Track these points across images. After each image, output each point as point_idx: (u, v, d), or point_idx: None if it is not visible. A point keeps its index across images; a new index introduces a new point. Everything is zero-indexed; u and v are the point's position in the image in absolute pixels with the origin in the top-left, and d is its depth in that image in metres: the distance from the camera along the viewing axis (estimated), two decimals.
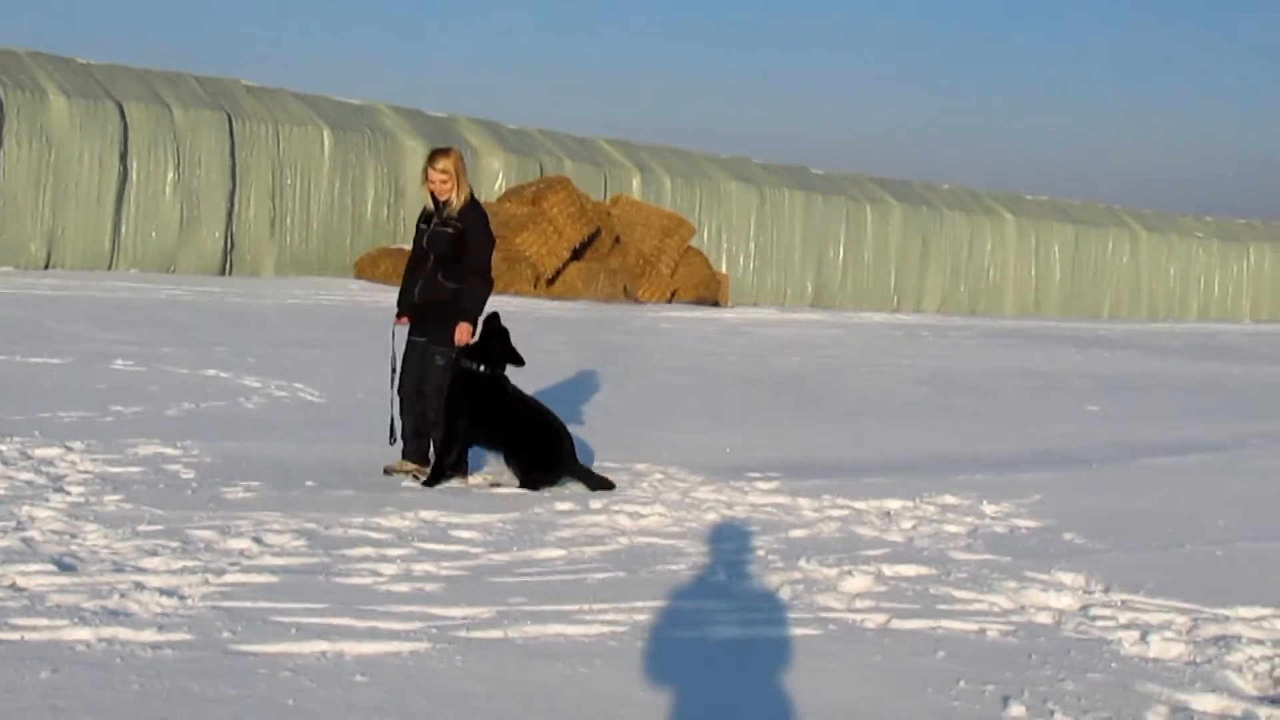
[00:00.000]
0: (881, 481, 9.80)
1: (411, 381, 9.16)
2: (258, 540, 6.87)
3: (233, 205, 31.96)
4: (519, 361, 9.23)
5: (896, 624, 6.02)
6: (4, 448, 8.90)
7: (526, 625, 5.66)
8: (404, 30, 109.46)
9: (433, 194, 9.10)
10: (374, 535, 7.20)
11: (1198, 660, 5.70)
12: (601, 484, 9.06)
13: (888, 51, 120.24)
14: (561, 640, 5.52)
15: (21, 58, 30.09)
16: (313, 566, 6.44)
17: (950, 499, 9.19)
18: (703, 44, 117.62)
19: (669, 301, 34.92)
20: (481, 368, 9.06)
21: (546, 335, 20.73)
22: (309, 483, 8.53)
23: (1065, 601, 6.57)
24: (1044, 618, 6.26)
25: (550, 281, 32.20)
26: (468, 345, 9.05)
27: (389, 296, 11.48)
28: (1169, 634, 6.02)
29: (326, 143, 33.72)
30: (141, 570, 6.15)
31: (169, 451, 9.27)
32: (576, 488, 9.02)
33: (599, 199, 36.89)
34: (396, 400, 9.27)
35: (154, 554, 6.46)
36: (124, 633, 5.21)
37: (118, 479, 8.24)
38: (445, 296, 9.11)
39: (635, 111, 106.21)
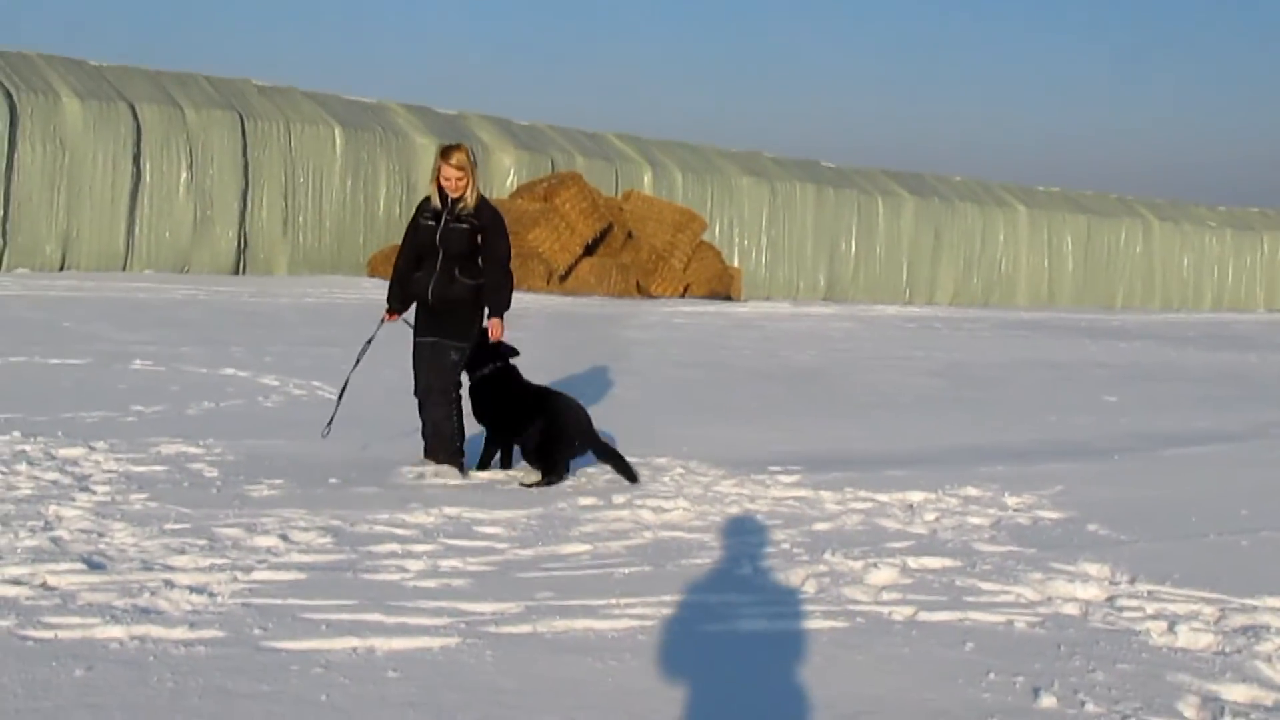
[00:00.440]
0: (903, 474, 9.79)
1: (425, 381, 9.13)
2: (284, 537, 6.89)
3: (246, 205, 32.05)
4: (514, 352, 9.30)
5: (924, 616, 6.03)
6: (29, 448, 8.94)
7: (555, 620, 5.67)
8: (414, 28, 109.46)
9: (441, 190, 9.05)
10: (399, 532, 7.21)
11: (1227, 650, 5.70)
12: (627, 473, 9.07)
13: (898, 44, 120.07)
14: (590, 635, 5.54)
15: (34, 60, 30.18)
16: (340, 563, 6.46)
17: (972, 491, 9.19)
18: (713, 38, 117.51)
19: (682, 296, 34.93)
20: (491, 367, 9.13)
21: (560, 332, 20.75)
22: (332, 480, 8.56)
23: (1092, 592, 6.57)
24: (1071, 609, 6.26)
25: (563, 278, 32.22)
26: (475, 356, 9.09)
27: None
28: (1197, 624, 6.02)
29: (338, 141, 33.77)
30: (170, 568, 6.18)
31: (192, 450, 9.30)
32: (599, 483, 9.03)
33: (611, 194, 36.91)
34: (345, 394, 9.31)
35: (182, 552, 6.48)
36: (156, 630, 5.24)
37: (142, 478, 8.26)
38: (462, 294, 9.09)
39: (646, 107, 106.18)
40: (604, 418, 11.93)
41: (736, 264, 40.11)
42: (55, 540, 6.57)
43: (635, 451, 10.24)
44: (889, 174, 47.98)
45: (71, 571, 6.00)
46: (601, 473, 9.40)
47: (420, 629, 5.44)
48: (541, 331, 19.94)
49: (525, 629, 5.55)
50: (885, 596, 6.33)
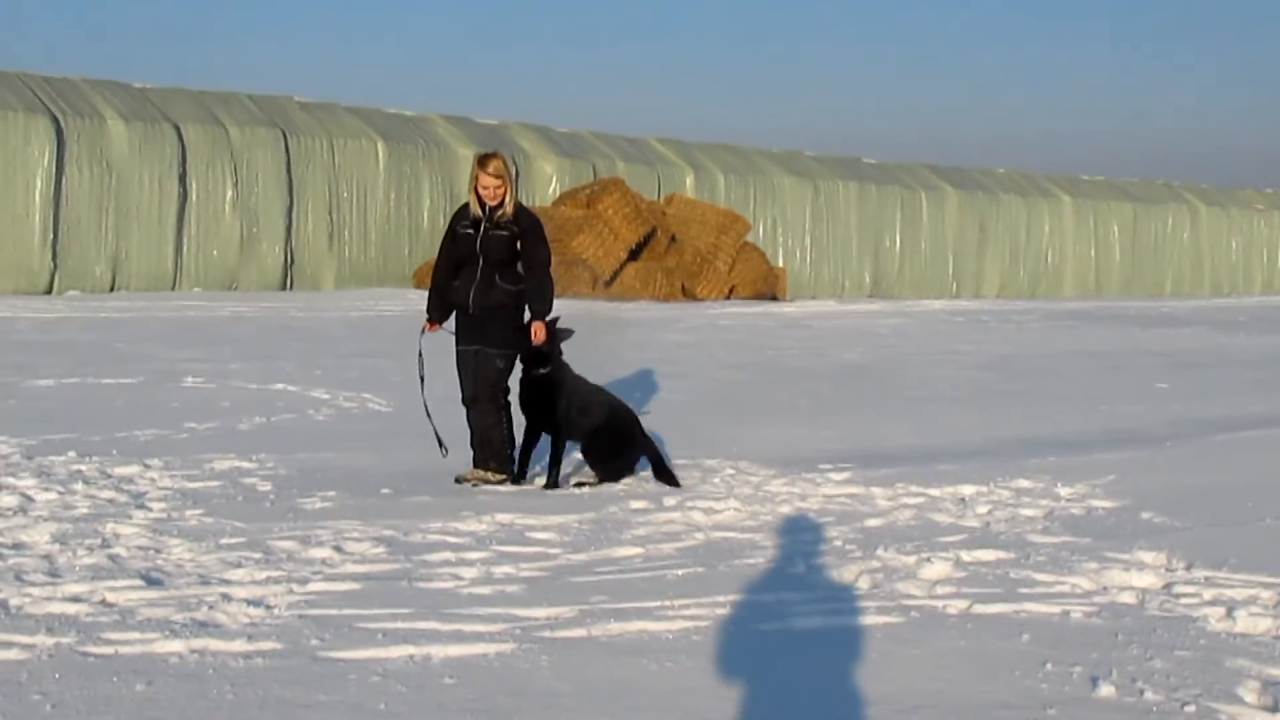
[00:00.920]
0: (954, 468, 9.76)
1: (471, 390, 9.15)
2: (338, 549, 6.94)
3: (291, 221, 32.27)
4: (567, 334, 9.29)
5: (979, 609, 6.01)
6: (84, 467, 9.04)
7: (609, 623, 5.69)
8: (453, 40, 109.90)
9: (480, 198, 9.09)
10: (452, 540, 7.25)
11: None
12: (670, 479, 9.10)
13: (937, 38, 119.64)
14: (644, 637, 5.55)
15: (79, 85, 30.49)
16: (394, 573, 6.50)
17: (1024, 482, 9.15)
18: (751, 39, 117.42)
19: (727, 298, 34.91)
20: (543, 370, 9.14)
21: (606, 336, 20.78)
22: (385, 491, 8.61)
23: (1148, 580, 6.53)
24: (1127, 597, 6.23)
25: (608, 283, 32.26)
26: (530, 355, 9.11)
27: None
28: (1255, 609, 5.97)
29: (381, 155, 33.96)
30: (227, 582, 6.23)
31: (245, 465, 9.38)
32: (649, 486, 9.05)
33: (653, 199, 36.93)
34: (431, 409, 9.32)
35: (238, 566, 6.54)
36: (214, 644, 5.29)
37: (197, 494, 8.34)
38: (504, 300, 9.11)
39: (686, 110, 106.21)
40: (653, 420, 11.96)
41: (781, 264, 40.05)
42: (113, 557, 6.64)
43: (685, 453, 10.27)
44: (931, 168, 47.81)
45: (130, 588, 6.06)
46: (651, 476, 9.41)
47: (475, 635, 5.47)
48: (587, 336, 19.90)
49: (580, 633, 5.57)
50: (939, 590, 6.32)
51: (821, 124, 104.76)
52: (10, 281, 28.22)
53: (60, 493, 8.17)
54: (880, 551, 7.06)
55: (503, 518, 7.83)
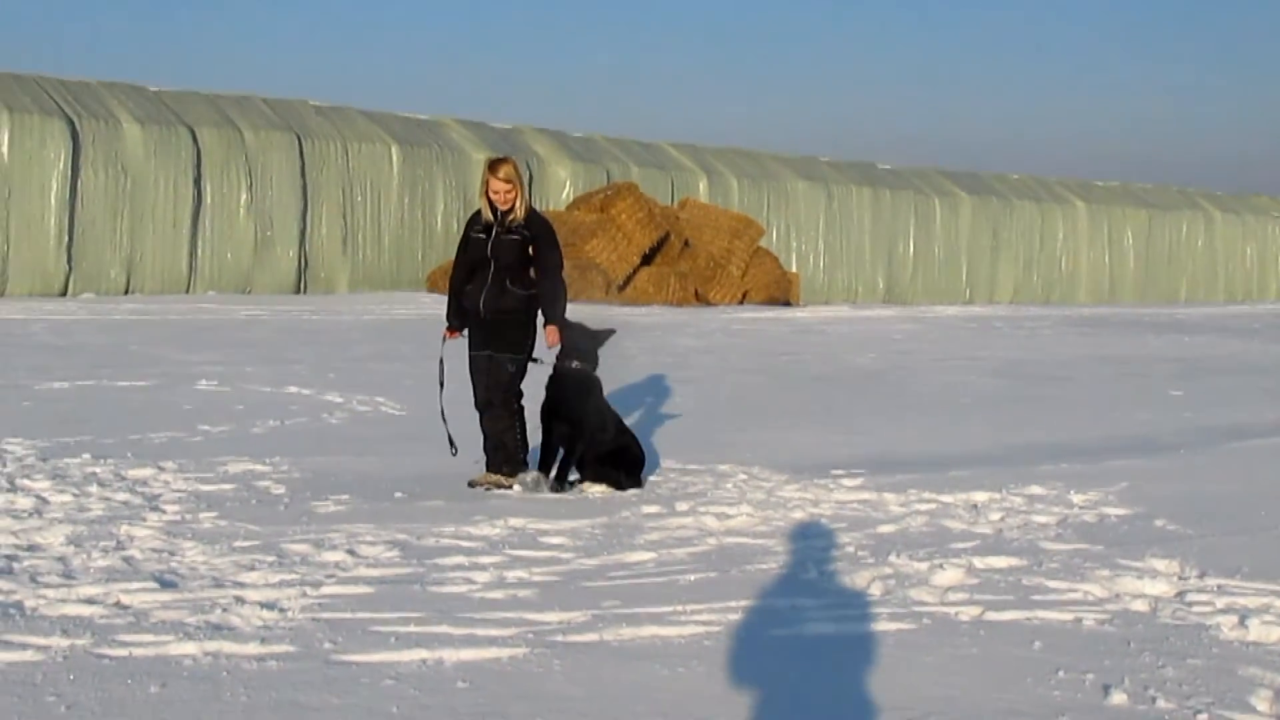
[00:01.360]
0: (966, 474, 9.76)
1: (484, 395, 9.17)
2: (352, 552, 6.96)
3: (305, 224, 32.35)
4: (605, 335, 9.33)
5: (991, 616, 6.01)
6: (99, 469, 9.07)
7: (621, 628, 5.69)
8: (467, 44, 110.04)
9: (491, 203, 9.12)
10: (465, 544, 7.27)
11: None
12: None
13: (952, 43, 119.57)
14: (657, 642, 5.56)
15: (95, 88, 30.60)
16: (407, 576, 6.52)
17: (1037, 489, 9.15)
18: (764, 44, 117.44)
19: (741, 303, 34.92)
20: (575, 365, 9.15)
21: (620, 341, 20.72)
22: (398, 494, 8.63)
23: (1160, 588, 6.53)
24: (1140, 605, 6.22)
25: (622, 288, 32.28)
26: (565, 346, 9.14)
27: None
28: (1268, 617, 5.97)
29: (395, 158, 34.02)
30: (241, 585, 6.25)
31: (258, 468, 9.40)
32: (662, 490, 9.06)
33: (667, 203, 36.96)
34: (447, 412, 9.34)
35: (252, 569, 6.56)
36: (228, 646, 5.30)
37: (211, 496, 8.37)
38: (515, 304, 9.14)
39: (700, 114, 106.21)
40: (666, 425, 11.99)
41: (794, 269, 40.06)
42: (127, 560, 6.66)
43: (698, 458, 10.29)
44: (945, 174, 47.78)
45: (144, 590, 6.08)
46: (665, 481, 9.43)
47: (488, 640, 5.48)
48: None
49: (592, 638, 5.58)
50: (952, 597, 6.32)
51: (835, 129, 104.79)
52: (26, 284, 28.33)
53: (75, 495, 8.21)
54: (892, 558, 7.06)
55: (515, 522, 7.84)
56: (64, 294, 28.72)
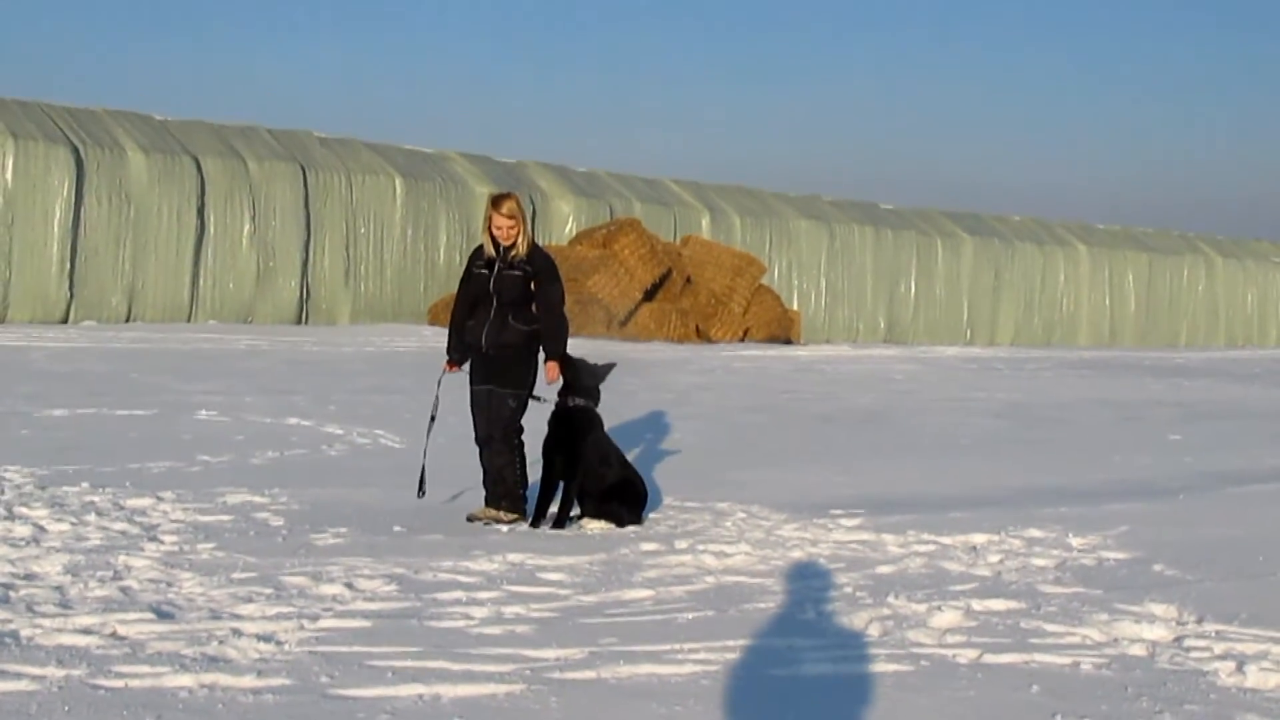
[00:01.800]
0: (966, 516, 9.75)
1: (485, 429, 9.17)
2: (349, 585, 6.95)
3: (308, 255, 32.40)
4: (606, 370, 9.35)
5: (989, 658, 6.00)
6: (97, 499, 9.07)
7: (619, 665, 5.68)
8: (472, 79, 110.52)
9: (493, 237, 9.15)
10: (463, 579, 7.26)
11: None
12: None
13: (955, 85, 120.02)
14: (654, 680, 5.54)
15: (100, 116, 30.71)
16: (405, 611, 6.51)
17: (1036, 532, 9.14)
18: (768, 82, 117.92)
19: (742, 340, 34.95)
20: (578, 402, 9.16)
21: (621, 377, 20.71)
22: (397, 528, 8.62)
23: (1158, 633, 6.52)
24: (1138, 650, 6.21)
25: (623, 323, 32.32)
26: (567, 383, 9.16)
27: None
28: (1266, 664, 5.95)
29: (398, 191, 34.11)
30: (238, 617, 6.24)
31: (257, 500, 9.40)
32: (661, 528, 9.05)
33: (669, 240, 37.03)
34: (429, 450, 9.36)
35: (249, 600, 6.55)
36: (224, 679, 5.29)
37: (209, 527, 8.36)
38: (517, 339, 9.16)
39: (703, 151, 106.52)
40: (666, 462, 11.98)
41: (796, 307, 40.11)
42: (124, 590, 6.66)
43: (697, 496, 10.28)
44: (947, 214, 47.88)
45: (141, 621, 6.07)
46: (664, 518, 9.42)
47: (485, 675, 5.47)
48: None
49: (589, 675, 5.57)
50: (949, 639, 6.30)
51: (838, 168, 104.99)
52: (27, 310, 28.37)
53: (73, 524, 8.20)
54: (891, 599, 7.05)
55: (514, 558, 7.84)
56: (65, 321, 28.74)
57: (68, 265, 28.81)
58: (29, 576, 6.87)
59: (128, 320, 29.64)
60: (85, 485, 9.54)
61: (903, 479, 11.92)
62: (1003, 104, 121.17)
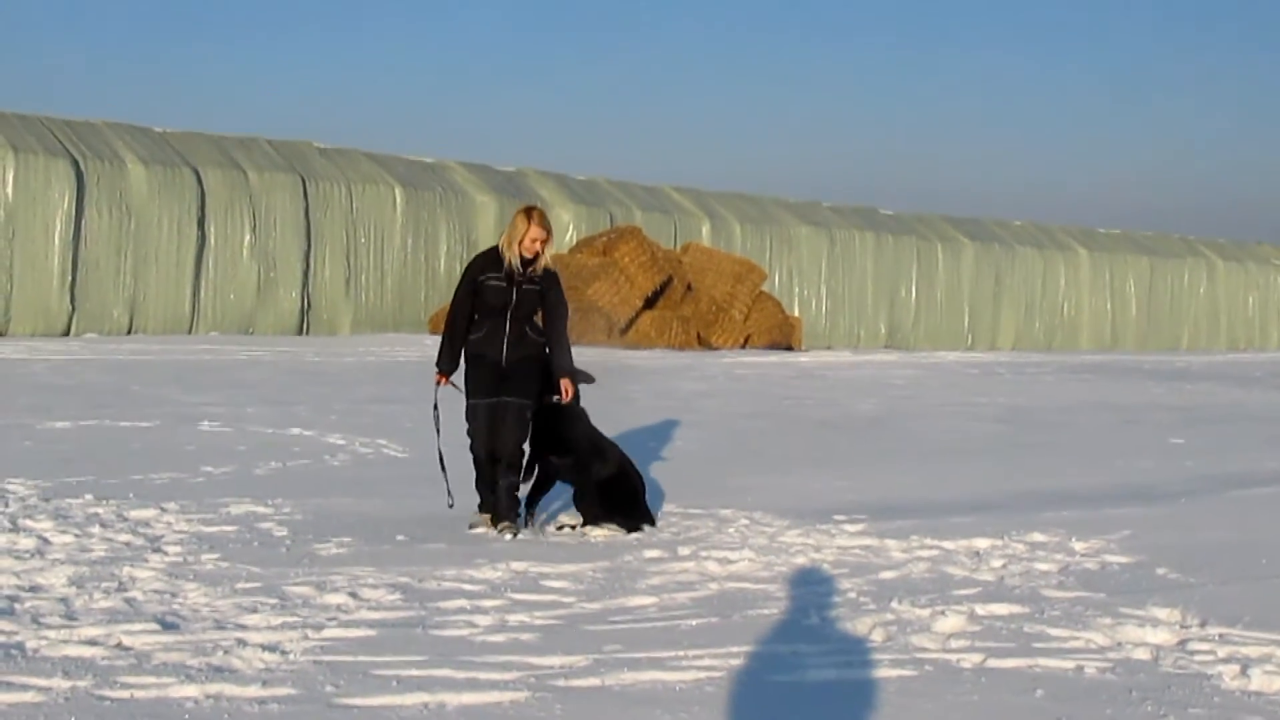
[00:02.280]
0: (968, 520, 9.76)
1: (491, 444, 9.12)
2: (354, 595, 6.96)
3: (308, 265, 32.45)
4: (586, 379, 9.41)
5: (993, 663, 6.01)
6: (101, 510, 9.08)
7: (623, 673, 5.69)
8: (470, 88, 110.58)
9: (520, 250, 9.09)
10: (467, 587, 7.27)
11: None
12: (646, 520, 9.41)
13: (955, 90, 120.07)
14: (658, 687, 5.55)
15: (100, 129, 30.75)
16: (409, 619, 6.52)
17: (1039, 536, 9.15)
18: (768, 89, 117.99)
19: (743, 347, 34.96)
20: (557, 397, 9.20)
21: (623, 385, 20.81)
22: (400, 537, 8.63)
23: (1162, 637, 6.52)
24: (1142, 654, 6.22)
25: (624, 331, 32.34)
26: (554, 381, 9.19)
27: None
28: (1270, 667, 5.96)
29: (398, 201, 34.16)
30: (242, 627, 6.25)
31: (261, 510, 9.41)
32: (664, 535, 9.06)
33: (669, 247, 37.06)
34: (446, 460, 9.38)
35: (254, 611, 6.56)
36: (230, 689, 5.30)
37: (213, 538, 8.37)
38: (534, 352, 9.16)
39: (703, 158, 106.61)
40: (668, 469, 11.99)
41: (797, 313, 40.12)
42: (129, 601, 6.67)
43: (700, 503, 10.29)
44: (948, 220, 47.92)
45: (146, 632, 6.08)
46: (667, 525, 9.43)
47: (489, 683, 5.48)
48: (603, 385, 19.95)
49: (594, 682, 5.58)
50: (953, 644, 6.31)
51: (838, 174, 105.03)
52: (29, 323, 28.40)
53: (77, 535, 8.21)
54: (894, 604, 7.06)
55: (517, 565, 7.85)
56: (67, 334, 28.77)
57: (69, 278, 28.86)
58: (34, 588, 6.88)
59: (129, 332, 29.67)
60: (89, 497, 9.55)
61: (905, 484, 11.93)
62: (1002, 108, 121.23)
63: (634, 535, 9.05)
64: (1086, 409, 20.77)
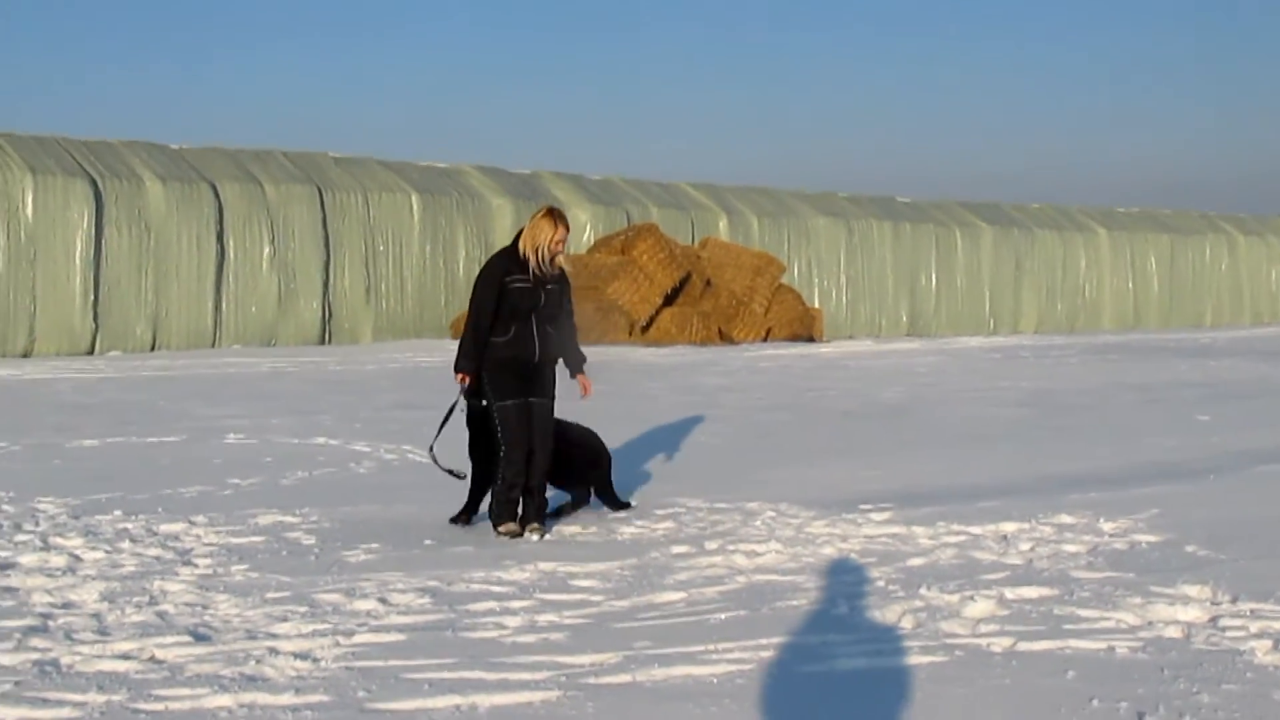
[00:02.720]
0: (995, 505, 9.75)
1: (527, 444, 9.12)
2: (383, 600, 6.99)
3: (328, 275, 32.52)
4: None
5: (1023, 646, 6.00)
6: (131, 525, 9.13)
7: (653, 669, 5.71)
8: (483, 93, 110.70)
9: (545, 251, 9.15)
10: (496, 589, 7.29)
11: None
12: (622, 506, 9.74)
13: (968, 75, 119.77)
14: (689, 681, 5.56)
15: (117, 148, 30.88)
16: (439, 623, 6.54)
17: (1067, 518, 9.13)
18: (781, 81, 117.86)
19: (764, 340, 34.93)
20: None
21: (645, 382, 20.81)
22: (427, 541, 8.66)
23: (1193, 614, 6.51)
24: (1173, 631, 6.21)
25: (645, 328, 32.34)
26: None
27: None
28: None
29: (415, 207, 34.21)
30: (274, 636, 6.28)
31: (288, 520, 9.44)
32: (691, 530, 9.07)
33: (687, 243, 37.04)
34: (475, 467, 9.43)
35: (284, 619, 6.59)
36: (263, 698, 5.33)
37: (242, 549, 8.41)
38: (557, 352, 9.31)
39: (717, 153, 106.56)
40: (694, 464, 12.01)
41: (817, 305, 40.07)
42: (161, 614, 6.70)
43: (726, 496, 10.29)
44: (965, 205, 47.80)
45: (178, 644, 6.12)
46: (694, 520, 9.44)
47: (521, 684, 5.50)
48: (625, 383, 20.01)
49: (625, 679, 5.59)
50: (983, 629, 6.31)
51: (854, 164, 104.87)
52: (53, 343, 28.53)
53: (107, 551, 8.26)
54: (923, 591, 7.06)
55: (545, 566, 7.87)
56: (91, 352, 28.89)
57: (91, 297, 28.97)
58: (66, 605, 6.92)
59: (153, 349, 29.78)
60: (118, 513, 9.60)
61: (931, 471, 11.92)
62: (1016, 91, 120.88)
63: (661, 532, 9.05)
64: (1111, 389, 20.71)
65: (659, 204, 39.20)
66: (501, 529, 9.02)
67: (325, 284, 32.47)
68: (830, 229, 42.65)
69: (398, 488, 11.08)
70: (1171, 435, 14.40)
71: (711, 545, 8.45)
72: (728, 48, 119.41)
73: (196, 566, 7.89)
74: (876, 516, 9.39)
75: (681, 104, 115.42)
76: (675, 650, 5.97)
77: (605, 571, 7.75)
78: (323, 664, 5.81)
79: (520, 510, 9.11)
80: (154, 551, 8.29)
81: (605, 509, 9.75)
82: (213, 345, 30.59)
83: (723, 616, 6.63)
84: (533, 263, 9.12)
